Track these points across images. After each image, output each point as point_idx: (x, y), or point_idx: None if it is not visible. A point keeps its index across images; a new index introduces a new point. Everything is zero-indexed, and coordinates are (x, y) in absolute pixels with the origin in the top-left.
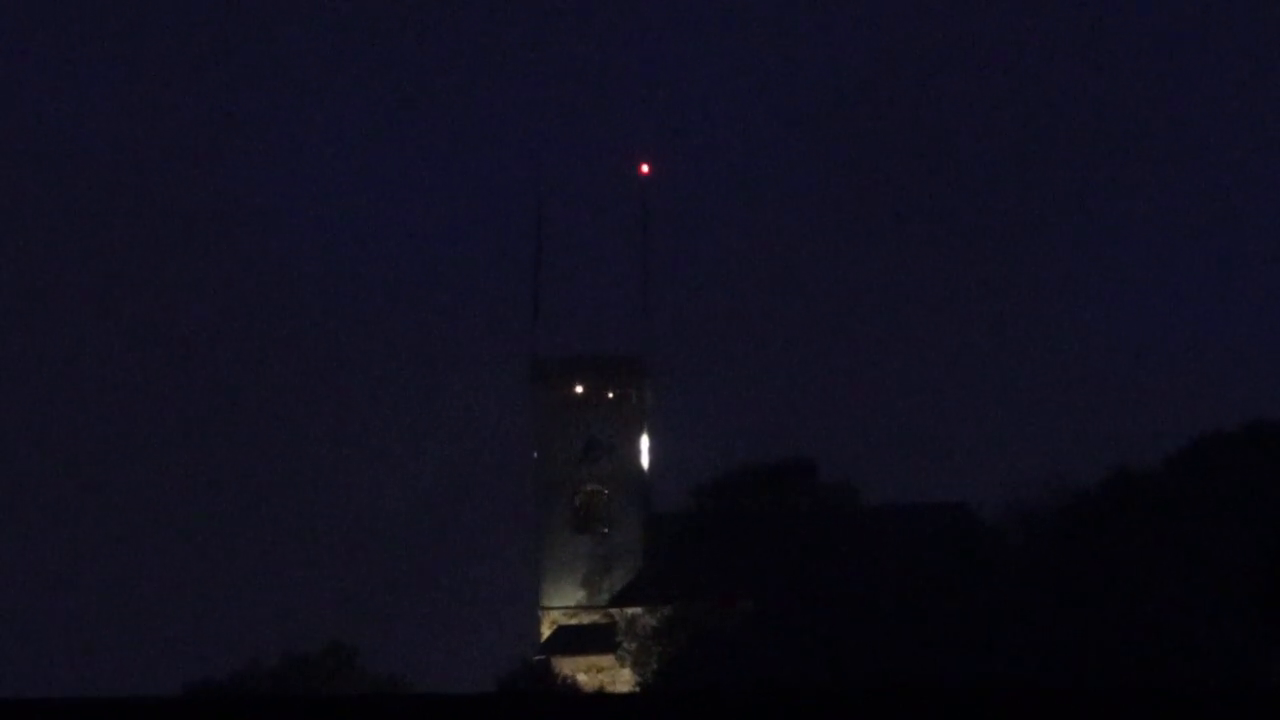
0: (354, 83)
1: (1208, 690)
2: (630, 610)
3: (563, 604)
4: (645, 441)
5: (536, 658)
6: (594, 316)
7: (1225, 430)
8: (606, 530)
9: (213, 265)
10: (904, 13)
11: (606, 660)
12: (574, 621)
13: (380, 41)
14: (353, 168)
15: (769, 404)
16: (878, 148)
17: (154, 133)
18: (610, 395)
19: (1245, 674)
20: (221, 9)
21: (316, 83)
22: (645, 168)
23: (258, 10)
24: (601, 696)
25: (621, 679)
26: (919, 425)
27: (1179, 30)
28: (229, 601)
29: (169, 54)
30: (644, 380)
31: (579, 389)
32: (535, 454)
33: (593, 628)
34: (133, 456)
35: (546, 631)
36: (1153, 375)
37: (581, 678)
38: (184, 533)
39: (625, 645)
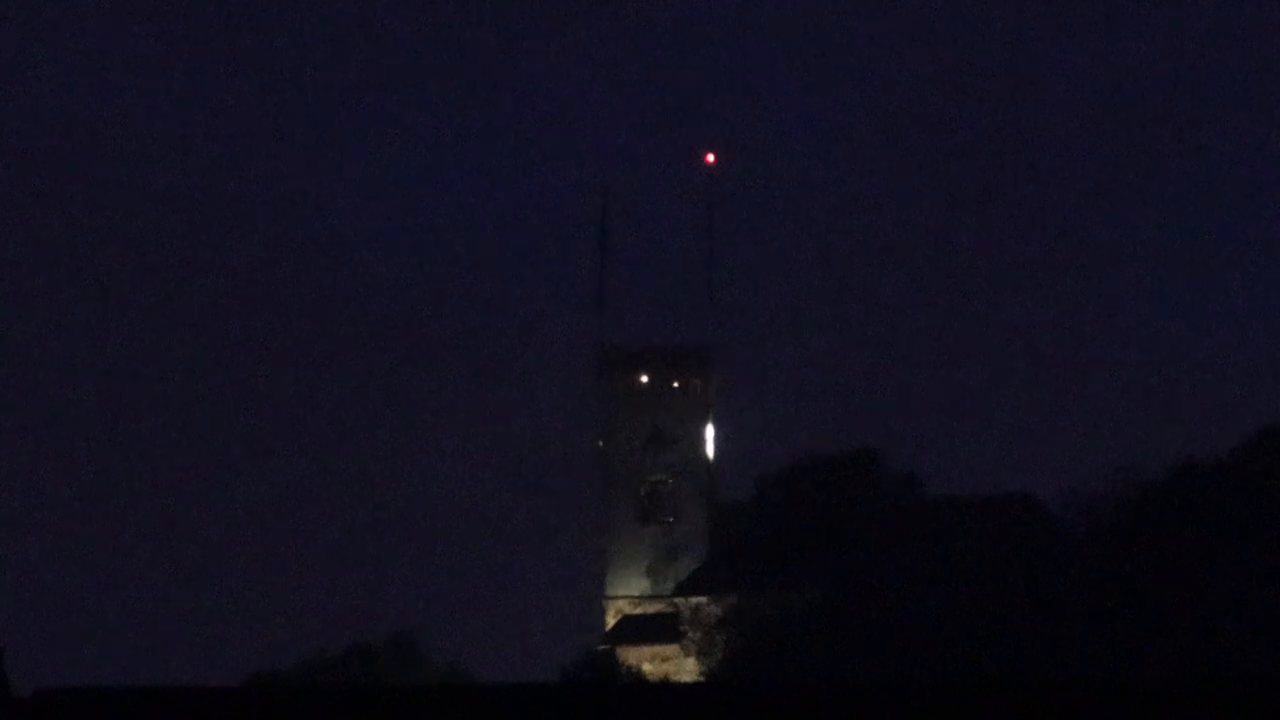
0: (420, 71)
1: (1273, 683)
2: (695, 600)
3: (627, 593)
4: (710, 431)
5: (601, 647)
6: (659, 306)
7: None
8: (671, 520)
9: (278, 254)
10: (973, 8)
11: (671, 650)
12: (639, 611)
13: (442, 29)
14: (420, 157)
15: (834, 394)
16: (943, 137)
17: (222, 122)
18: (675, 385)
19: None
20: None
21: (383, 71)
22: (711, 157)
23: (327, 7)
24: (667, 686)
25: (686, 668)
26: (984, 416)
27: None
28: (293, 592)
29: (235, 41)
30: (709, 370)
31: (644, 379)
32: (600, 443)
33: (657, 617)
34: (198, 445)
35: (611, 621)
36: (1221, 365)
37: (646, 667)
38: (249, 523)
39: (690, 635)
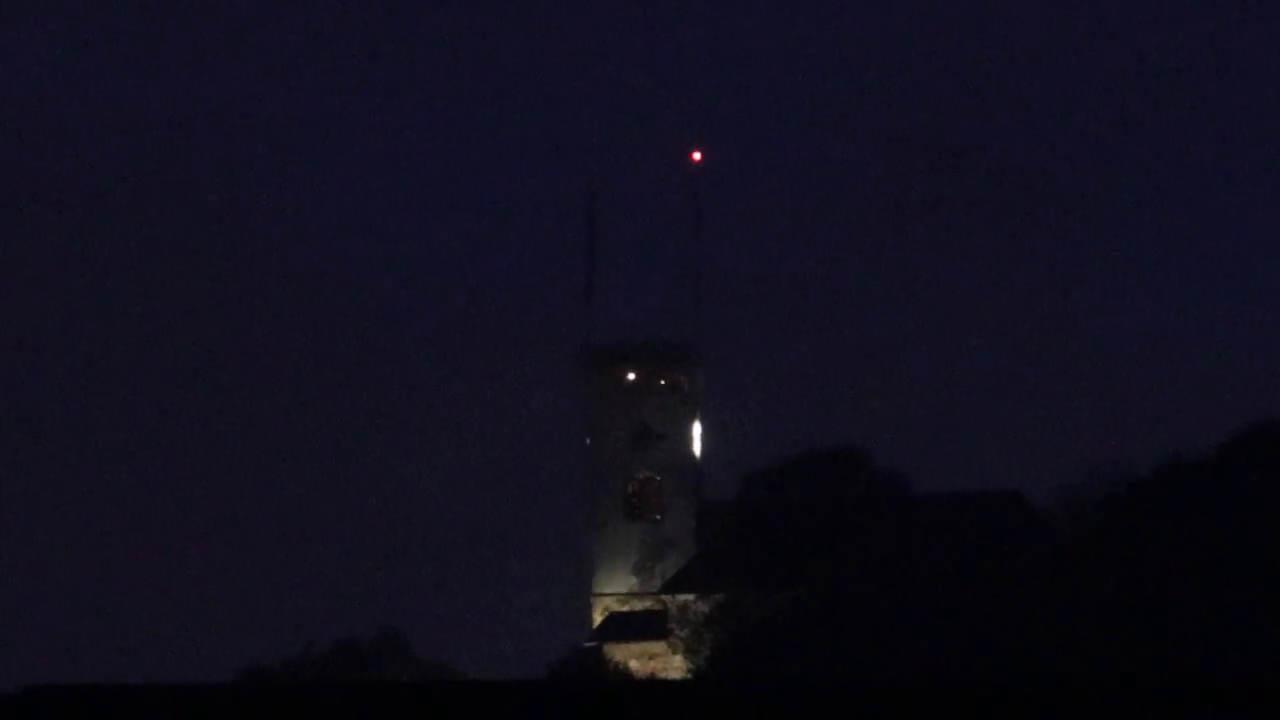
0: (403, 68)
1: (1263, 680)
2: (682, 597)
3: (614, 591)
4: (697, 428)
5: (588, 644)
6: (646, 303)
7: (1277, 419)
8: (658, 517)
9: (270, 253)
10: (959, 8)
11: (658, 647)
12: (626, 608)
13: (431, 28)
14: (404, 153)
15: (820, 391)
16: (932, 132)
17: (216, 123)
18: (662, 382)
19: None
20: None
21: (366, 68)
22: (697, 155)
23: (318, 10)
24: (653, 683)
25: (673, 666)
26: (972, 414)
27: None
28: (282, 588)
29: (235, 46)
30: (696, 367)
31: (631, 376)
32: (587, 441)
33: (645, 614)
34: (188, 443)
35: (598, 618)
36: (1207, 362)
37: (633, 664)
38: (239, 519)
39: (677, 632)
